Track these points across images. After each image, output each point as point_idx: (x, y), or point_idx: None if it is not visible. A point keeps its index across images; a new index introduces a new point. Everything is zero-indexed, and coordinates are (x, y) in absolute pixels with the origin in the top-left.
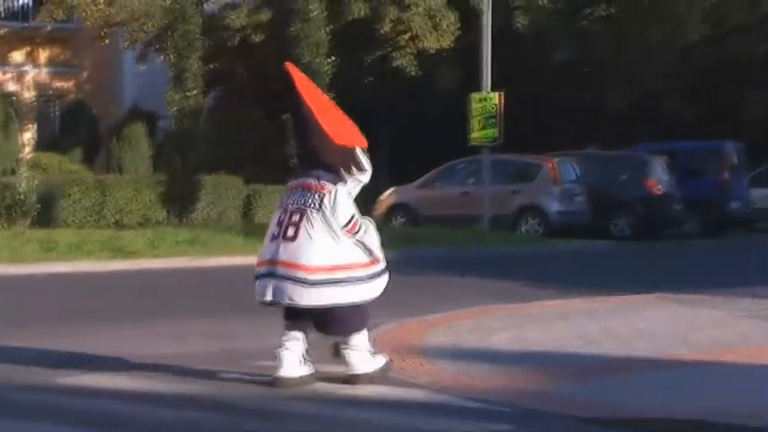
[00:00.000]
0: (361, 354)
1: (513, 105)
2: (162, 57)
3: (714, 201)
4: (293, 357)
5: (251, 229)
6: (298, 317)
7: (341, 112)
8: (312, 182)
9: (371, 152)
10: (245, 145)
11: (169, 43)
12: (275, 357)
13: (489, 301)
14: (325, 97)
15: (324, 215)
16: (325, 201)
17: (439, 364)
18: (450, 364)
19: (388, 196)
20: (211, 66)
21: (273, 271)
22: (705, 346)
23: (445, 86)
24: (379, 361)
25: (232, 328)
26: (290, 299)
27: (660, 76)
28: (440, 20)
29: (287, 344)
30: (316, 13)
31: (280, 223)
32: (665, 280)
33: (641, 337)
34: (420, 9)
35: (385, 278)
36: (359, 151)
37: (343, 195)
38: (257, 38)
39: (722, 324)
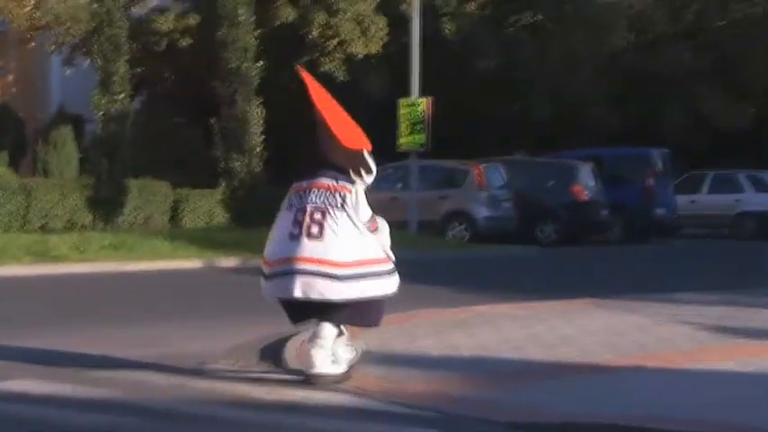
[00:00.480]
0: (327, 352)
1: (442, 111)
2: (89, 60)
3: (640, 207)
4: (324, 354)
5: (178, 234)
6: (322, 311)
7: (348, 116)
8: (330, 182)
9: (299, 158)
10: (172, 149)
11: (96, 47)
12: (307, 355)
13: (415, 307)
14: (335, 102)
15: (348, 213)
16: (348, 200)
17: (364, 368)
18: (376, 369)
19: None
20: (139, 70)
21: (296, 268)
22: (630, 352)
23: (373, 92)
24: (340, 368)
25: (160, 332)
26: (321, 294)
27: (586, 83)
28: (368, 25)
29: (316, 341)
30: (244, 18)
31: (299, 222)
32: (591, 286)
33: (567, 342)
34: (348, 14)
35: (397, 276)
36: (366, 154)
37: (362, 195)
38: (185, 42)
39: (647, 329)
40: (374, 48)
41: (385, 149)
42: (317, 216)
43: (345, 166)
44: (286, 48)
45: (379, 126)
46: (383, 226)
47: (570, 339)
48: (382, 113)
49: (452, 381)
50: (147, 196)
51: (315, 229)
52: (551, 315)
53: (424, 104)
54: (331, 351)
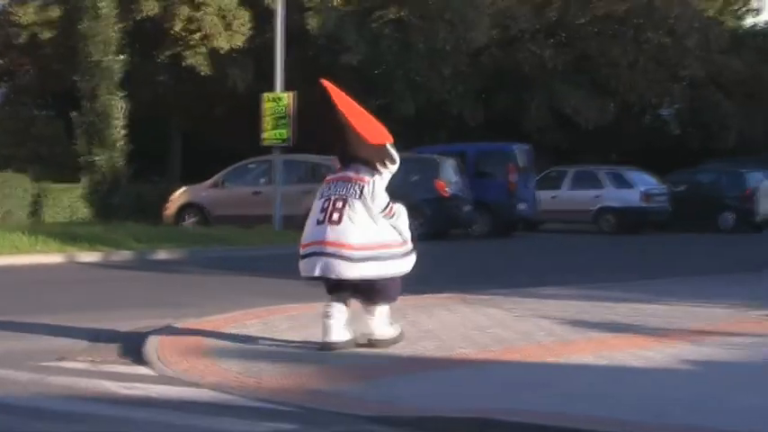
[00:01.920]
0: (383, 321)
1: (306, 106)
2: None
3: (502, 202)
4: (338, 324)
5: (38, 229)
6: (341, 290)
7: (370, 115)
8: (352, 174)
9: (164, 151)
10: (33, 143)
11: None
12: (323, 326)
13: (278, 301)
14: (357, 105)
15: (364, 202)
16: (365, 190)
17: (225, 364)
18: (236, 365)
19: (179, 195)
20: None
21: (321, 250)
22: (490, 346)
23: (238, 86)
24: (396, 329)
25: (19, 327)
26: (338, 274)
27: (449, 79)
28: (232, 19)
29: (331, 313)
30: (105, 11)
31: (324, 210)
32: (453, 281)
33: (428, 336)
34: (212, 8)
35: (414, 256)
36: (389, 146)
37: (379, 185)
38: (46, 35)
39: (507, 323)
40: (238, 42)
41: (248, 143)
42: (339, 204)
43: (373, 159)
44: (149, 41)
45: (243, 120)
46: (400, 212)
47: (432, 334)
48: (246, 108)
49: (312, 375)
50: (6, 190)
51: (335, 216)
52: (414, 310)
53: (287, 99)
54: (344, 323)
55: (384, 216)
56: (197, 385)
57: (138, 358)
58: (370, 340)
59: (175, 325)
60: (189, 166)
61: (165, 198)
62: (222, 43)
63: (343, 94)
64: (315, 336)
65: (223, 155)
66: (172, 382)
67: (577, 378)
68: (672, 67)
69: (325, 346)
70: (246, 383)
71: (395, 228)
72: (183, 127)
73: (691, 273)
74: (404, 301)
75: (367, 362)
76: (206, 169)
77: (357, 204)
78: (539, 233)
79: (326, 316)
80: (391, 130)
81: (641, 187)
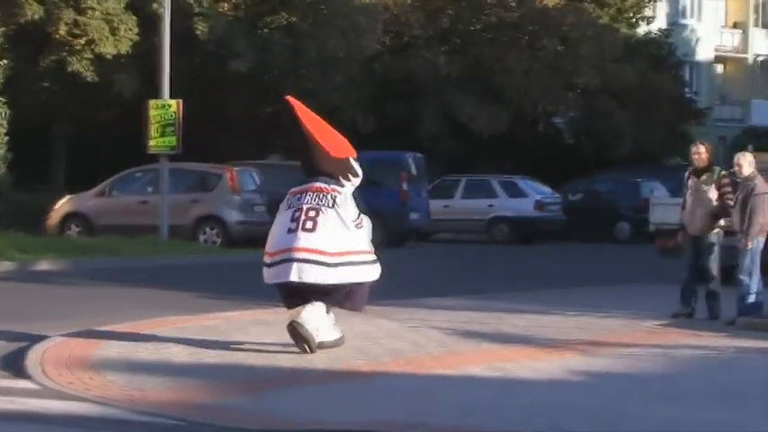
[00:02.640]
0: (321, 325)
1: (194, 113)
2: None
3: (394, 211)
4: (312, 315)
5: None
6: (314, 294)
7: (335, 131)
8: (323, 185)
9: (47, 159)
10: None
11: None
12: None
13: (165, 313)
14: (321, 120)
15: (337, 211)
16: (338, 200)
17: (109, 377)
18: (122, 378)
19: (62, 204)
20: None
21: (294, 257)
22: (381, 357)
23: (124, 92)
24: (336, 334)
25: None
26: (314, 278)
27: (341, 86)
28: (118, 24)
29: (308, 306)
30: None
31: (295, 219)
32: None
33: (319, 348)
34: (97, 13)
35: (379, 265)
36: (352, 161)
37: (350, 196)
38: None
39: (399, 334)
40: (124, 47)
41: (134, 151)
42: (312, 213)
43: (335, 173)
44: (32, 46)
45: (129, 127)
46: (366, 223)
47: (321, 346)
48: (132, 115)
49: (199, 388)
50: None
51: (309, 224)
52: None
53: (174, 106)
54: (318, 319)
55: (355, 225)
56: (81, 399)
57: (20, 372)
58: (308, 348)
59: (59, 337)
60: (73, 175)
61: (47, 207)
62: (108, 49)
63: (308, 110)
64: (205, 349)
65: (108, 163)
66: (55, 396)
67: (469, 390)
68: (566, 74)
69: (291, 325)
70: (132, 396)
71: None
72: (66, 134)
73: (585, 283)
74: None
75: (255, 375)
76: (90, 177)
77: (331, 213)
78: (431, 243)
79: (309, 307)
80: (281, 139)
81: (535, 196)
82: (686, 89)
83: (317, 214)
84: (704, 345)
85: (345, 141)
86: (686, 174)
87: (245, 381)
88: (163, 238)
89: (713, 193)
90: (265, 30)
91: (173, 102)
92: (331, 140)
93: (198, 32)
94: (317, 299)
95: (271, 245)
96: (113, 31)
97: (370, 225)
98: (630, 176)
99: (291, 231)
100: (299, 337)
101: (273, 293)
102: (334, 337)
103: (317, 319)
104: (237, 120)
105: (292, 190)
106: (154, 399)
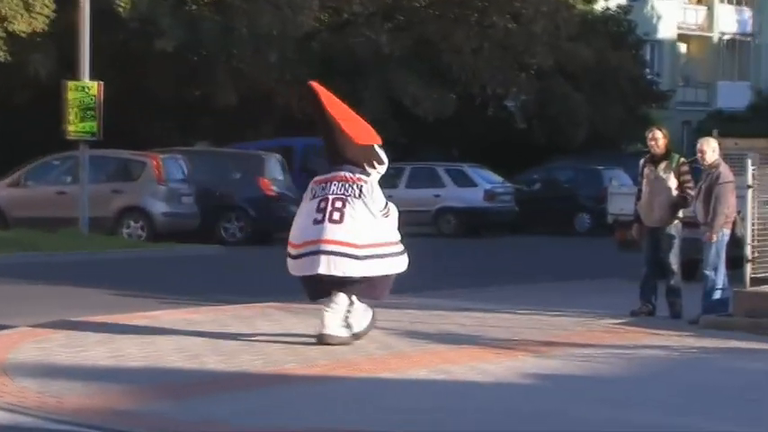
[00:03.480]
0: (338, 317)
1: (116, 96)
2: None
3: None
4: (336, 318)
5: None
6: (339, 286)
7: (359, 117)
8: (348, 175)
9: None
10: None
11: None
12: (321, 318)
13: (84, 313)
14: (345, 106)
15: (365, 201)
16: (365, 190)
17: (23, 382)
18: (36, 383)
19: None
20: None
21: (322, 248)
22: (318, 359)
23: (39, 73)
24: (368, 316)
25: None
26: (343, 271)
27: (275, 66)
28: (32, 1)
29: (331, 306)
30: None
31: (321, 210)
32: (276, 288)
33: (249, 350)
34: None
35: (407, 256)
36: (377, 148)
37: (377, 185)
38: None
39: None
40: (39, 25)
41: (51, 137)
42: (338, 204)
43: (360, 160)
44: None
45: (46, 111)
46: (393, 212)
47: (255, 347)
48: (49, 98)
49: (120, 393)
50: None
51: (336, 215)
52: (233, 320)
53: (95, 88)
54: (342, 317)
55: (382, 215)
56: None
57: None
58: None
59: None
60: None
61: None
62: (23, 27)
63: (331, 95)
64: (125, 350)
65: (25, 149)
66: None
67: (411, 394)
68: (518, 54)
69: (320, 339)
70: (47, 403)
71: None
72: None
73: (539, 279)
74: (221, 311)
75: (181, 379)
76: (5, 165)
77: (358, 204)
78: None
79: (326, 308)
80: (211, 123)
81: (485, 186)
82: (647, 70)
83: (344, 205)
84: (665, 345)
85: (369, 127)
86: (642, 162)
87: (170, 385)
88: (83, 232)
89: (672, 182)
90: (193, 6)
91: (93, 83)
92: (355, 127)
93: (120, 9)
94: (340, 290)
95: (296, 236)
96: (28, 8)
97: (397, 213)
98: (591, 164)
99: (318, 222)
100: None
101: (203, 290)
102: (367, 321)
103: (339, 317)
104: (163, 103)
105: (316, 179)
106: (72, 405)
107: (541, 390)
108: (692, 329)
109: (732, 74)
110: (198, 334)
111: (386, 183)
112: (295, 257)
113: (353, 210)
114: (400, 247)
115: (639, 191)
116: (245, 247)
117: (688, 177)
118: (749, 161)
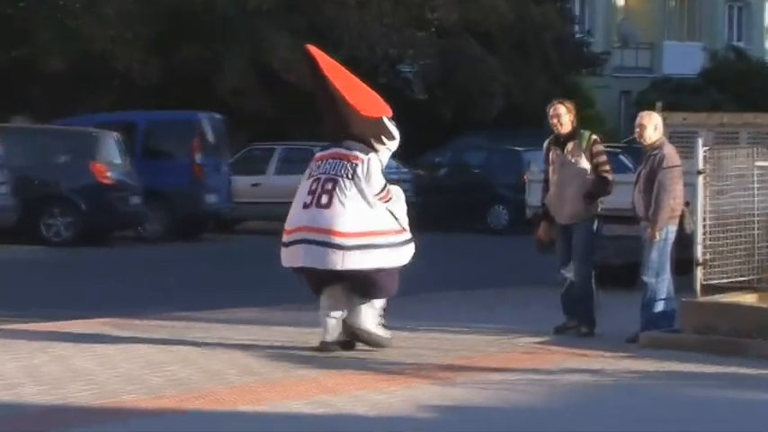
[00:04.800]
0: (373, 315)
1: None
2: None
3: (185, 192)
4: (337, 324)
5: None
6: (333, 283)
7: (364, 85)
8: (343, 151)
9: None
10: None
11: None
12: (321, 324)
13: None
14: (348, 73)
15: (357, 183)
16: (359, 170)
17: None
18: None
19: None
20: None
21: (307, 237)
22: (165, 389)
23: None
24: (386, 333)
25: None
26: (325, 264)
27: (112, 23)
28: None
29: (330, 311)
30: None
31: (312, 192)
32: (116, 301)
33: (79, 377)
34: None
35: (412, 246)
36: (386, 120)
37: (375, 165)
38: None
39: (189, 358)
40: None
41: None
42: (328, 186)
43: (366, 134)
44: None
45: None
46: (398, 195)
47: (84, 374)
48: None
49: None
50: None
51: (324, 199)
52: (58, 341)
53: None
54: (339, 321)
55: (380, 200)
56: None
57: None
58: (354, 331)
59: None
60: None
61: None
62: None
63: (331, 60)
64: None
65: None
66: None
67: None
68: (415, 7)
69: (322, 347)
70: None
71: (391, 213)
72: None
73: (441, 288)
74: (44, 329)
75: None
76: None
77: (349, 186)
78: (236, 235)
79: (325, 313)
80: (34, 93)
81: None
82: (576, 27)
83: (334, 187)
84: (596, 368)
85: (378, 98)
86: (545, 144)
87: None
88: None
89: (585, 165)
90: None
91: None
92: (360, 96)
93: None
94: (341, 286)
95: (288, 221)
96: None
97: (403, 197)
98: (508, 144)
99: (306, 207)
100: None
101: (21, 304)
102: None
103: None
104: None
105: (318, 155)
106: None
107: (443, 424)
108: (629, 349)
109: (681, 32)
110: (13, 357)
111: (251, 168)
112: (286, 245)
113: (343, 193)
114: (402, 237)
115: (546, 180)
116: (75, 249)
117: (604, 158)
118: (700, 141)
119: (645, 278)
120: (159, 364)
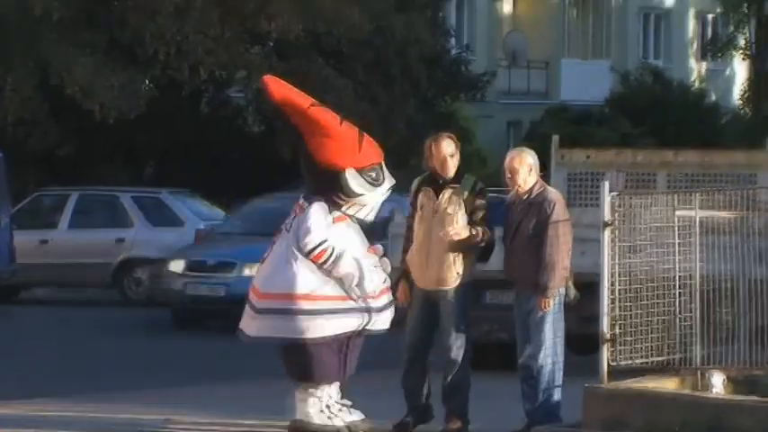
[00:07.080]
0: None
1: None
2: None
3: None
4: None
5: None
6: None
7: (337, 123)
8: (300, 201)
9: None
10: None
11: None
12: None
13: None
14: (316, 109)
15: (289, 237)
16: (295, 221)
17: None
18: None
19: None
20: None
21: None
22: None
23: None
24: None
25: None
26: (242, 327)
27: None
28: None
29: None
30: None
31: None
32: None
33: None
34: None
35: (357, 318)
36: (348, 174)
37: (313, 217)
38: None
39: None
40: None
41: None
42: (276, 238)
43: (318, 189)
44: None
45: None
46: (341, 258)
47: None
48: None
49: None
50: None
51: (266, 254)
52: None
53: None
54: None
55: (310, 260)
56: None
57: None
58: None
59: None
60: None
61: None
62: None
63: (295, 91)
64: None
65: None
66: None
67: None
68: (247, 17)
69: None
70: None
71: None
72: None
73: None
74: None
75: None
76: None
77: (283, 240)
78: (20, 305)
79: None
80: None
81: (196, 224)
82: (452, 41)
83: (275, 241)
84: None
85: (353, 140)
86: (414, 185)
87: None
88: None
89: (462, 219)
90: None
91: None
92: (324, 141)
93: None
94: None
95: None
96: None
97: (348, 261)
98: None
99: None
100: None
101: None
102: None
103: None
104: None
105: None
106: None
107: None
108: None
109: (584, 49)
110: None
111: (39, 220)
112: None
113: (279, 247)
114: (331, 305)
115: (410, 233)
116: None
117: (483, 213)
118: (607, 185)
119: (531, 359)
120: None
